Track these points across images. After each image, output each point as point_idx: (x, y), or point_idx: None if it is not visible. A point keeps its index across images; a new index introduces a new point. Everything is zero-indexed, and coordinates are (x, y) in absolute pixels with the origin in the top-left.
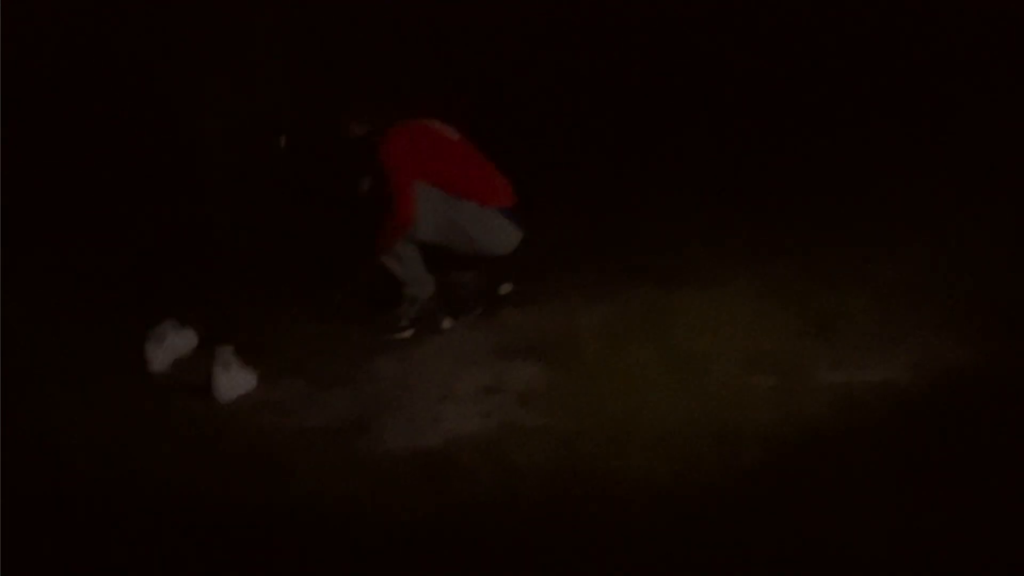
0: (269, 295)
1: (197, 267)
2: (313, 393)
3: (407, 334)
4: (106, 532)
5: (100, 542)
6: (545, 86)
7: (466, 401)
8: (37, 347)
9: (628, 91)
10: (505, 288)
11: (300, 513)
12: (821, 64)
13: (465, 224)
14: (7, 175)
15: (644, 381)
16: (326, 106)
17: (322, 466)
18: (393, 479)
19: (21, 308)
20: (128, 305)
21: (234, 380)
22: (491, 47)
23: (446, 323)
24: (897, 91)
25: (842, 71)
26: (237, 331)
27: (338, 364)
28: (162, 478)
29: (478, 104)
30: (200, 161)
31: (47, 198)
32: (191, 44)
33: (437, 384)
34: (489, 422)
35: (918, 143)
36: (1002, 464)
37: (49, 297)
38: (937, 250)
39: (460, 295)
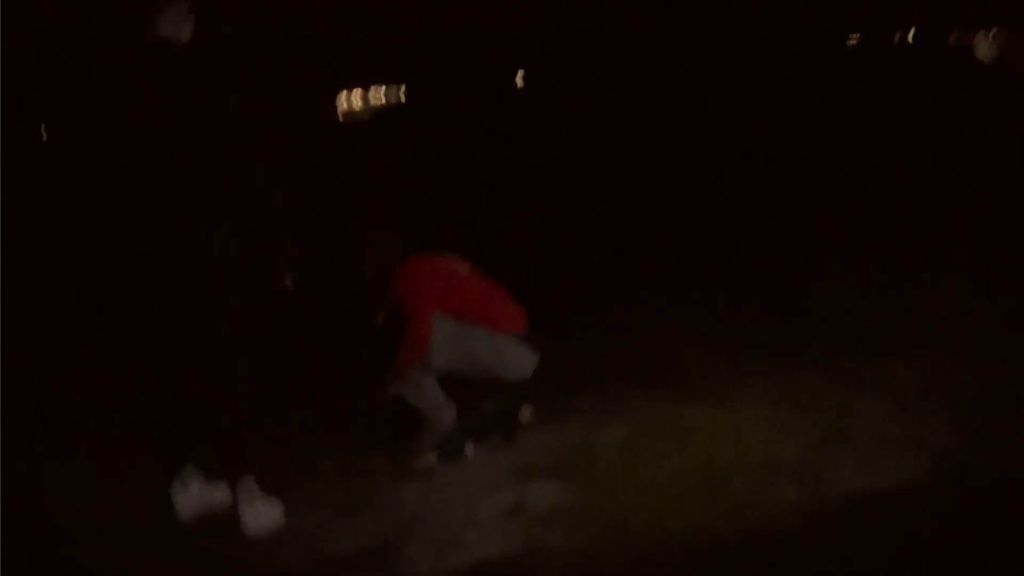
0: (290, 427)
1: (213, 404)
2: (337, 522)
3: (430, 461)
4: None
5: None
6: (555, 214)
7: (490, 525)
8: (57, 488)
9: (637, 211)
10: (525, 414)
11: None
12: (833, 173)
13: (480, 352)
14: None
15: (666, 496)
16: (339, 245)
17: None
18: None
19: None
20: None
21: (260, 513)
22: (497, 176)
23: (468, 448)
24: (911, 196)
25: (857, 176)
26: (255, 462)
27: (362, 492)
28: None
29: (489, 234)
30: (214, 305)
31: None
32: (196, 188)
33: (460, 509)
34: (513, 544)
35: (930, 246)
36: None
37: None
38: (953, 352)
39: (481, 420)
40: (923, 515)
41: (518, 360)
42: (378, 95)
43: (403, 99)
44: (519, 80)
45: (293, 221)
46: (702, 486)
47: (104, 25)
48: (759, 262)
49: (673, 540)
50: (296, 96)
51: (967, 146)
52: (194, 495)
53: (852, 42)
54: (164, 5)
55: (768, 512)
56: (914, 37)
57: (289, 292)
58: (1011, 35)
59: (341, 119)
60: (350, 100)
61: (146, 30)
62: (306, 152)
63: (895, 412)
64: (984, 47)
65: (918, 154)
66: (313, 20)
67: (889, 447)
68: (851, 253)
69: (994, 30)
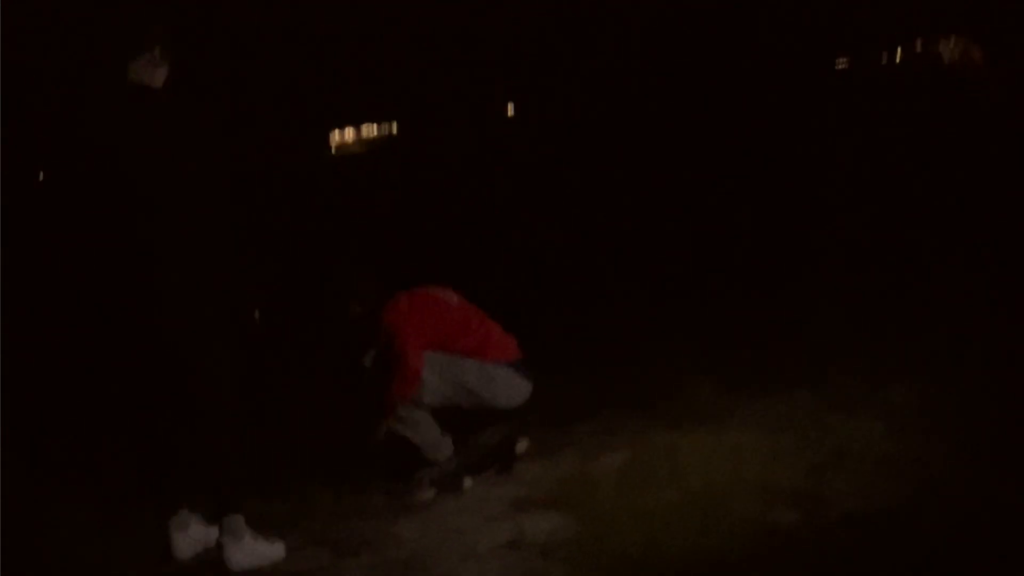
0: (288, 468)
1: (202, 447)
2: (338, 561)
3: (428, 496)
4: None
5: None
6: (549, 243)
7: (489, 558)
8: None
9: (631, 239)
10: (521, 445)
11: None
12: (827, 198)
13: (471, 383)
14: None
15: (665, 524)
16: (325, 285)
17: None
18: None
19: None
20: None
21: (247, 551)
22: (490, 206)
23: (466, 482)
24: (905, 221)
25: (850, 201)
26: (242, 503)
27: (360, 530)
28: None
29: (482, 264)
30: (195, 349)
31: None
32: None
33: (459, 543)
34: None
35: (926, 269)
36: None
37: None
38: (948, 374)
39: (477, 454)
40: (921, 536)
41: (511, 389)
42: (370, 130)
43: (395, 132)
44: (510, 110)
45: (273, 261)
46: (700, 512)
47: (85, 70)
48: (754, 287)
49: (673, 568)
50: (286, 135)
51: (960, 164)
52: (190, 536)
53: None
54: (134, 53)
55: (767, 536)
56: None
57: (261, 331)
58: (968, 43)
59: (334, 152)
60: (343, 135)
61: (120, 76)
62: (293, 192)
63: (892, 434)
64: (947, 55)
65: (910, 173)
66: (304, 61)
67: (886, 468)
68: (846, 277)
69: (953, 39)
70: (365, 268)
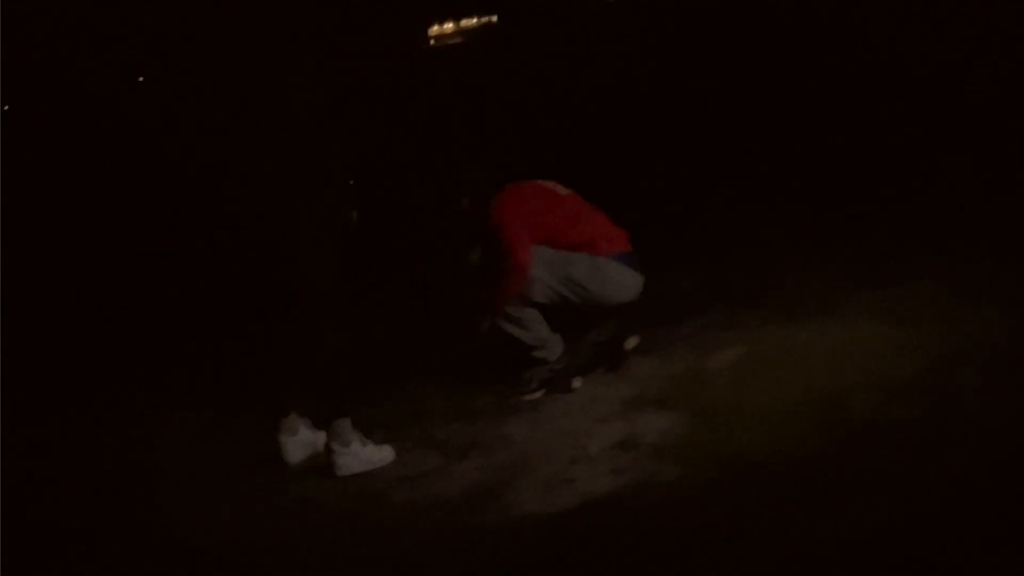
0: (397, 371)
1: (309, 351)
2: (446, 463)
3: (537, 396)
4: None
5: None
6: (659, 131)
7: (599, 459)
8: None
9: (743, 126)
10: (632, 341)
11: None
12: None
13: (581, 277)
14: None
15: (781, 422)
16: (432, 179)
17: (456, 538)
18: (529, 545)
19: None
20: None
21: (355, 454)
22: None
23: (576, 382)
24: None
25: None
26: (351, 407)
27: (470, 432)
28: (296, 560)
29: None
30: (302, 251)
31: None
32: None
33: (569, 444)
34: (624, 479)
35: None
36: None
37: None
38: None
39: (587, 352)
40: None
41: (622, 282)
42: (469, 21)
43: (495, 20)
44: None
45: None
46: (819, 410)
47: None
48: (871, 178)
49: (789, 467)
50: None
51: None
52: (299, 440)
53: None
54: None
55: (888, 435)
56: None
57: (358, 230)
58: None
59: (433, 43)
60: (442, 25)
61: None
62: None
63: (1020, 328)
64: None
65: None
66: None
67: (1013, 364)
68: (968, 166)
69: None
70: (474, 160)
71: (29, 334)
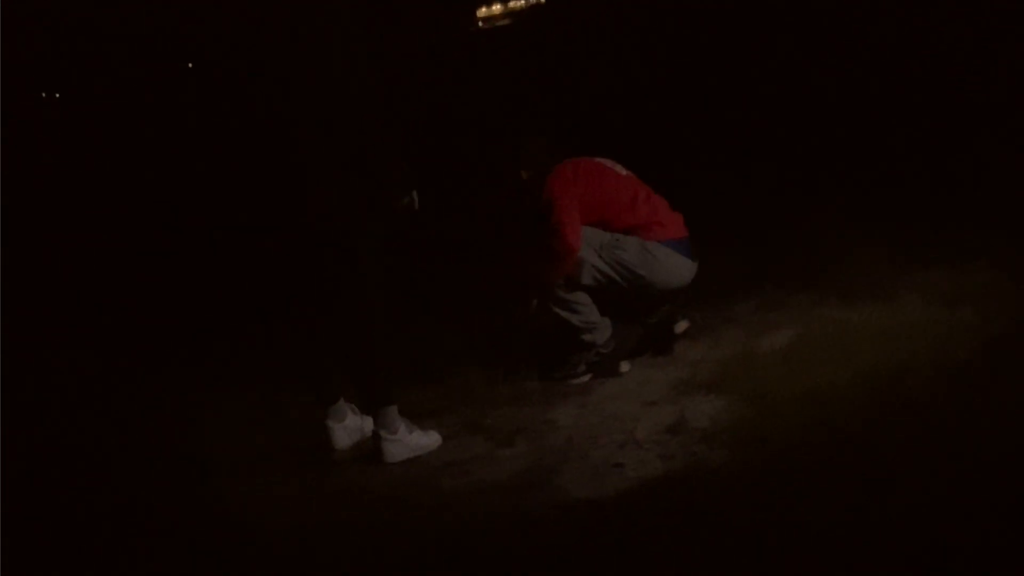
0: (444, 356)
1: (356, 340)
2: (493, 449)
3: (585, 379)
4: None
5: None
6: (711, 108)
7: (648, 444)
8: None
9: (801, 105)
10: (681, 325)
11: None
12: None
13: (632, 262)
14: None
15: (835, 405)
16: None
17: (503, 522)
18: (577, 531)
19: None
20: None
21: (402, 441)
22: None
23: (624, 366)
24: None
25: None
26: (397, 394)
27: (517, 417)
28: (343, 545)
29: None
30: (349, 238)
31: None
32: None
33: (617, 429)
34: (673, 464)
35: None
36: None
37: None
38: None
39: (635, 335)
40: None
41: (674, 268)
42: (517, 3)
43: (543, 1)
44: None
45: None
46: (873, 392)
47: None
48: (924, 147)
49: (844, 452)
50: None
51: None
52: (347, 426)
53: None
54: None
55: (943, 417)
56: None
57: (415, 213)
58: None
59: (481, 24)
60: (490, 7)
61: None
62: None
63: None
64: None
65: None
66: None
67: None
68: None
69: None
70: (534, 131)
71: (79, 322)
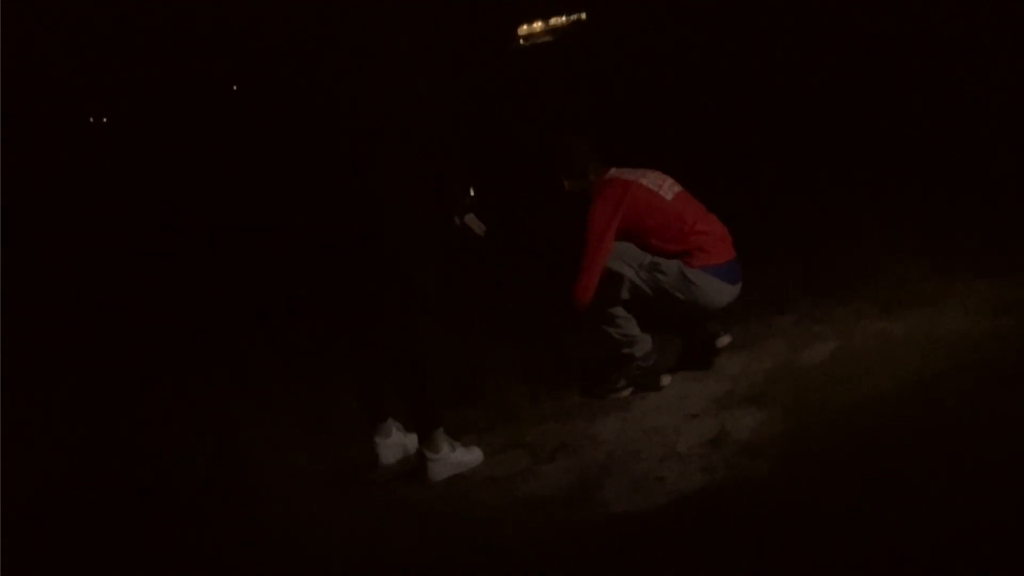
0: (486, 373)
1: (406, 364)
2: (536, 464)
3: (626, 394)
4: None
5: None
6: (752, 120)
7: (690, 457)
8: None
9: (832, 116)
10: (723, 340)
11: None
12: None
13: (672, 287)
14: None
15: (878, 417)
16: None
17: (545, 538)
18: (619, 544)
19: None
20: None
21: (445, 460)
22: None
23: (665, 379)
24: None
25: None
26: (443, 415)
27: (558, 432)
28: (390, 562)
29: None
30: (403, 256)
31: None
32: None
33: (659, 443)
34: (715, 477)
35: None
36: None
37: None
38: None
39: (676, 349)
40: None
41: (713, 296)
42: (558, 20)
43: (583, 18)
44: None
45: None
46: (917, 405)
47: None
48: (966, 156)
49: (888, 465)
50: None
51: None
52: (393, 442)
53: None
54: None
55: (989, 430)
56: None
57: (472, 235)
58: None
59: (522, 42)
60: (531, 26)
61: None
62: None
63: None
64: None
65: None
66: None
67: None
68: None
69: None
70: (574, 136)
71: (124, 331)
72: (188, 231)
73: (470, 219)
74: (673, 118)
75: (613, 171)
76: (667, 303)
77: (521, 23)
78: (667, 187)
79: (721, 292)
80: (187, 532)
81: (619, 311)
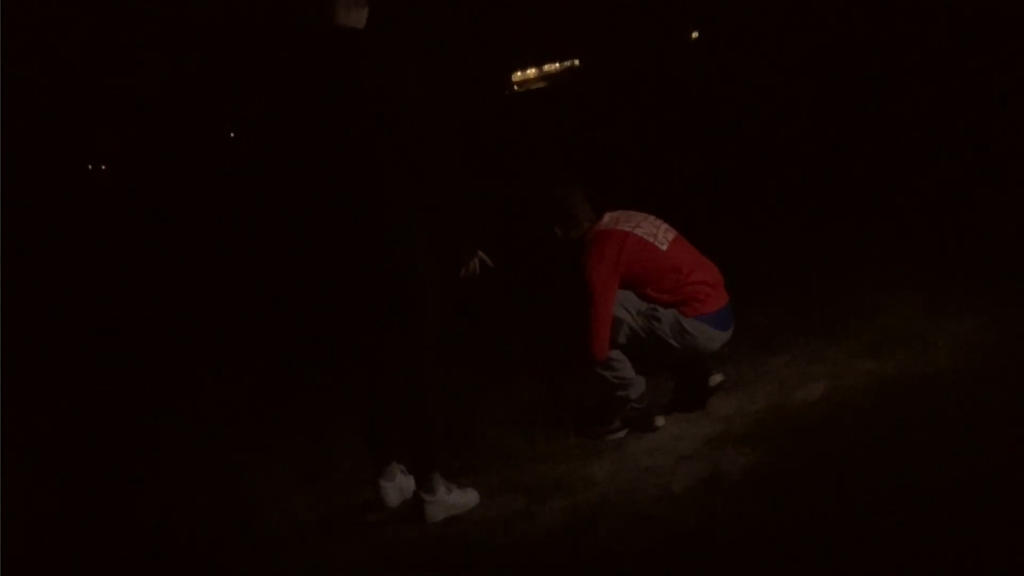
0: (481, 414)
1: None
2: (531, 505)
3: (621, 435)
4: None
5: None
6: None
7: (684, 499)
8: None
9: (818, 155)
10: (715, 379)
11: None
12: None
13: (666, 335)
14: None
15: (873, 458)
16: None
17: None
18: None
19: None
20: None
21: (441, 502)
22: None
23: (659, 420)
24: None
25: None
26: (440, 458)
27: (553, 473)
28: None
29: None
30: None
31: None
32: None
33: (653, 484)
34: (710, 517)
35: None
36: None
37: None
38: None
39: (670, 390)
40: None
41: (706, 343)
42: (552, 67)
43: (577, 64)
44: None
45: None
46: (912, 444)
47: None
48: (951, 195)
49: (884, 504)
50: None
51: None
52: (396, 486)
53: None
54: None
55: (982, 470)
56: None
57: (474, 279)
58: None
59: (516, 88)
60: (525, 72)
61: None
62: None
63: None
64: None
65: None
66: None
67: None
68: None
69: None
70: (569, 187)
71: (124, 372)
72: (194, 263)
73: (478, 258)
74: (665, 160)
75: (607, 219)
76: (661, 349)
77: (515, 69)
78: (661, 235)
79: (714, 339)
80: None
81: (615, 354)
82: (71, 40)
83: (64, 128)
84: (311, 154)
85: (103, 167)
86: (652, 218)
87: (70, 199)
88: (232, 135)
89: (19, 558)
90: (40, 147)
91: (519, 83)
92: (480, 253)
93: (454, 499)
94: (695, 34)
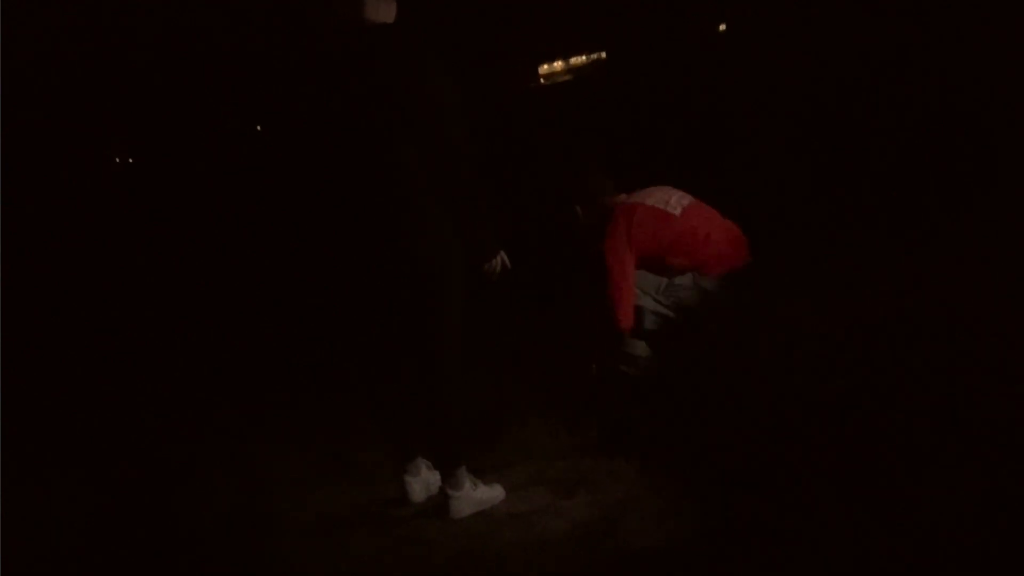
0: (505, 409)
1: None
2: (556, 500)
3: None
4: None
5: None
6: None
7: (710, 493)
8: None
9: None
10: None
11: None
12: None
13: (690, 300)
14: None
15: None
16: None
17: (567, 574)
18: None
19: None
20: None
21: (467, 498)
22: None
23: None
24: None
25: None
26: (464, 454)
27: (579, 468)
28: None
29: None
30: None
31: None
32: None
33: (680, 479)
34: (735, 513)
35: None
36: None
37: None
38: None
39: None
40: None
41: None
42: (579, 59)
43: (604, 56)
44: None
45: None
46: None
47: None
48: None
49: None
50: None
51: None
52: (422, 481)
53: None
54: None
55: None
56: None
57: (495, 277)
58: None
59: (543, 81)
60: (552, 65)
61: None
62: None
63: None
64: None
65: None
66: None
67: None
68: None
69: None
70: (586, 163)
71: (145, 366)
72: (213, 261)
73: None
74: (688, 156)
75: (622, 196)
76: (692, 318)
77: (542, 63)
78: (675, 201)
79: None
80: (208, 573)
81: (640, 347)
82: (87, 31)
83: (85, 120)
84: (336, 150)
85: (130, 160)
86: (668, 188)
87: (91, 194)
88: (258, 128)
89: (21, 558)
90: (58, 140)
91: (545, 76)
92: (501, 253)
93: (480, 495)
94: (723, 27)
